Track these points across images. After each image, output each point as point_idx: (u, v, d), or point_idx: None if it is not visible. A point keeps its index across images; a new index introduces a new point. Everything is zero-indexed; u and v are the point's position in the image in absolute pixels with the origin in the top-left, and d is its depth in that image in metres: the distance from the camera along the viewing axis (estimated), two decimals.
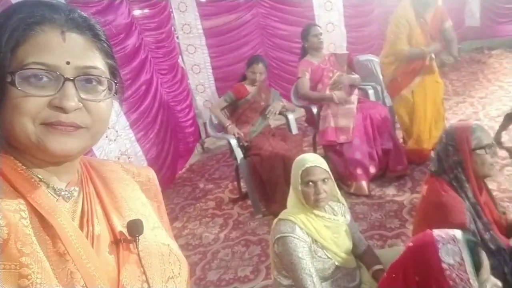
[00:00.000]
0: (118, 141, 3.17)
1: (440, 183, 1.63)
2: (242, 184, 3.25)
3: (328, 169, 1.64)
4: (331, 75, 3.24)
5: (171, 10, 4.11)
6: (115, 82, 0.60)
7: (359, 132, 2.91)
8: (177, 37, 4.24)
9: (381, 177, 2.99)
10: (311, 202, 1.59)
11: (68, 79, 0.53)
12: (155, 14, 3.87)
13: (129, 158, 3.20)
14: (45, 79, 0.52)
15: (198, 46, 4.34)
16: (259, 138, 2.96)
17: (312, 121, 3.28)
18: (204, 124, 4.56)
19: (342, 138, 2.92)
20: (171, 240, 0.72)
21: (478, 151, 1.58)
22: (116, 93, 0.61)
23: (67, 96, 0.52)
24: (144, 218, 0.66)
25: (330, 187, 1.62)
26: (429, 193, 1.69)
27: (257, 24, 4.48)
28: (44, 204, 0.55)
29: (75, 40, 0.55)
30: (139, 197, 0.71)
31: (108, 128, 3.09)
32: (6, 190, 0.54)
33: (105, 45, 0.60)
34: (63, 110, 0.52)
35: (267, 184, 2.79)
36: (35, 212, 0.54)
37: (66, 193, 0.60)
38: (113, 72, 0.61)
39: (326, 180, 1.61)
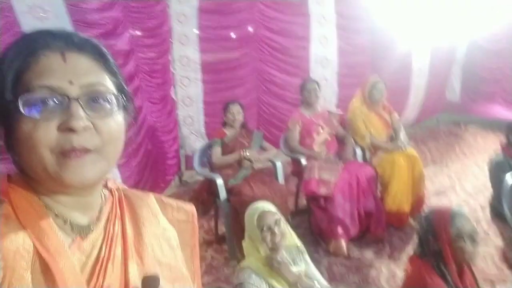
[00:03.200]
0: None
1: (424, 266, 1.65)
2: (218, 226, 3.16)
3: (277, 211, 1.83)
4: (320, 131, 3.30)
5: (171, 41, 4.15)
6: (122, 97, 0.58)
7: (343, 190, 2.92)
8: (174, 68, 4.26)
9: (360, 239, 2.98)
10: (269, 248, 1.74)
11: (74, 99, 0.52)
12: (155, 44, 3.90)
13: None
14: (50, 102, 0.51)
15: (193, 79, 4.35)
16: (240, 183, 2.92)
17: (298, 172, 3.28)
18: (186, 156, 4.51)
19: (322, 191, 2.91)
20: None
21: (457, 241, 1.58)
22: (125, 109, 0.59)
23: (74, 116, 0.51)
24: (167, 267, 0.63)
25: (283, 228, 1.80)
26: (412, 274, 1.70)
27: (254, 68, 4.57)
28: (50, 245, 0.52)
29: (76, 60, 0.55)
30: (168, 240, 0.67)
31: None
32: (14, 225, 0.51)
33: (109, 62, 0.59)
34: (73, 131, 0.51)
35: None
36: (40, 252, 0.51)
37: (86, 230, 0.57)
38: (120, 89, 0.60)
39: (278, 220, 1.77)
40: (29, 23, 2.69)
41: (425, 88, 5.82)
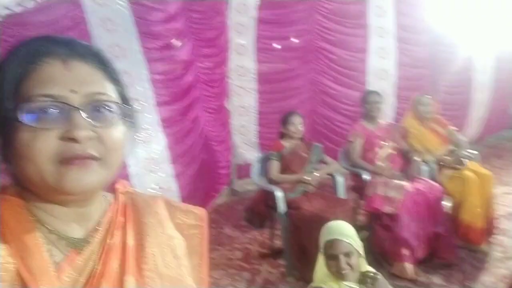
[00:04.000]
0: (156, 173, 3.11)
1: None
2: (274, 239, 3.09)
3: (355, 241, 1.61)
4: (383, 145, 3.15)
5: (228, 51, 4.19)
6: (124, 106, 0.57)
7: (410, 209, 2.75)
8: (230, 78, 4.28)
9: (427, 262, 2.79)
10: (334, 274, 1.60)
11: (76, 108, 0.50)
12: (214, 54, 3.94)
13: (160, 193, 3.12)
14: (52, 111, 0.50)
15: (248, 90, 4.36)
16: (299, 197, 2.83)
17: (358, 187, 3.14)
18: (237, 165, 4.50)
19: (387, 209, 2.76)
20: None
21: None
22: (127, 118, 0.57)
23: (77, 126, 0.49)
24: (169, 280, 0.59)
25: (355, 261, 1.60)
26: None
27: (310, 79, 4.51)
28: (33, 265, 0.49)
29: (79, 68, 0.53)
30: (173, 249, 0.63)
31: (152, 159, 3.04)
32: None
33: (111, 70, 0.57)
34: (75, 141, 0.49)
35: (307, 246, 2.62)
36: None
37: (81, 244, 0.55)
38: (123, 97, 0.58)
39: (350, 254, 1.57)
40: (100, 35, 2.78)
41: (488, 104, 5.47)
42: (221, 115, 4.18)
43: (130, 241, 0.58)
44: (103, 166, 0.52)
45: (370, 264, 2.71)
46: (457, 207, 3.04)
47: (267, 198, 2.97)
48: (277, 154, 2.97)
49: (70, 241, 0.54)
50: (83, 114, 0.50)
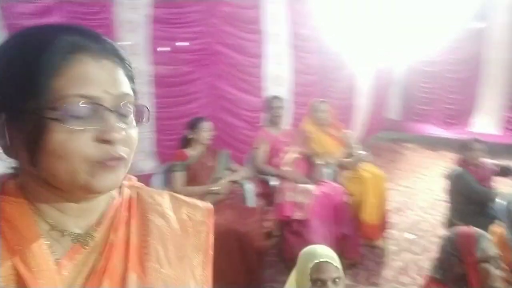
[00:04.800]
0: None
1: None
2: None
3: (341, 267, 1.45)
4: (288, 149, 3.16)
5: None
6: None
7: (318, 213, 2.78)
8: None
9: None
10: None
11: (109, 110, 0.50)
12: None
13: None
14: (87, 112, 0.49)
15: (143, 94, 3.99)
16: None
17: (265, 194, 3.09)
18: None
19: (298, 214, 2.76)
20: None
21: (482, 264, 1.52)
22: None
23: (113, 128, 0.50)
24: (171, 278, 0.58)
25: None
26: None
27: (209, 84, 4.34)
28: (32, 262, 0.49)
29: (109, 68, 0.52)
30: (179, 248, 0.62)
31: None
32: None
33: (131, 70, 0.57)
34: (110, 143, 0.50)
35: (218, 262, 2.44)
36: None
37: (84, 238, 0.54)
38: (137, 96, 0.58)
39: (337, 280, 1.41)
40: None
41: (368, 108, 6.04)
42: None
43: (134, 237, 0.57)
44: (125, 165, 0.53)
45: (282, 272, 2.68)
46: (356, 206, 3.19)
47: None
48: (181, 164, 2.72)
49: (72, 236, 0.53)
50: (116, 116, 0.51)
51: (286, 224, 2.83)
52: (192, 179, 2.73)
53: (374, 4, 5.44)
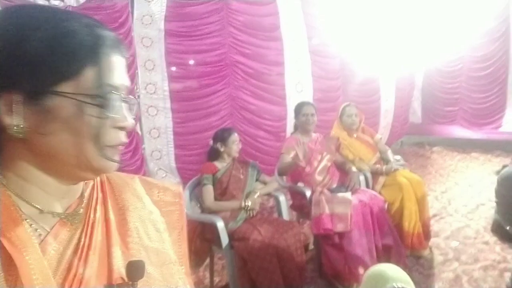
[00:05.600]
0: None
1: None
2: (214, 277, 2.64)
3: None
4: (319, 157, 2.97)
5: (136, 68, 3.69)
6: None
7: (358, 223, 2.57)
8: (138, 97, 3.77)
9: None
10: None
11: (124, 100, 0.56)
12: None
13: None
14: (111, 101, 0.53)
15: (161, 109, 3.88)
16: (242, 225, 2.46)
17: (299, 206, 2.89)
18: None
19: (339, 227, 2.55)
20: (183, 277, 0.65)
21: None
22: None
23: (125, 117, 0.55)
24: (154, 252, 0.61)
25: None
26: None
27: (228, 95, 4.20)
28: (15, 237, 0.48)
29: (122, 61, 0.57)
30: (155, 224, 0.64)
31: None
32: None
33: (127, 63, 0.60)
34: (123, 129, 0.55)
35: (257, 281, 2.25)
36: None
37: (66, 217, 0.56)
38: None
39: None
40: None
41: (392, 112, 5.83)
42: (131, 143, 3.60)
43: (112, 215, 0.60)
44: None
45: None
46: (396, 215, 2.98)
47: (202, 231, 2.52)
48: (211, 178, 2.56)
49: (53, 215, 0.55)
50: (128, 106, 0.57)
51: (325, 237, 2.62)
52: (223, 193, 2.56)
53: (392, 5, 5.28)
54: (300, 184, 2.96)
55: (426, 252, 2.95)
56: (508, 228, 3.07)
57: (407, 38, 5.52)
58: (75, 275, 0.52)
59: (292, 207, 3.01)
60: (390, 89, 5.65)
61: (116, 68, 0.54)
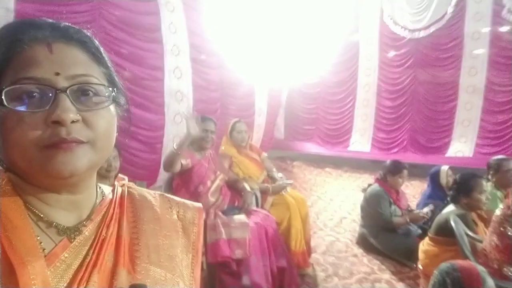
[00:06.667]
0: None
1: None
2: None
3: None
4: (213, 176, 2.77)
5: None
6: (113, 89, 0.54)
7: (255, 247, 2.47)
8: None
9: None
10: None
11: (60, 91, 0.49)
12: None
13: None
14: (36, 95, 0.49)
15: None
16: None
17: None
18: None
19: (238, 253, 2.39)
20: None
21: None
22: (116, 101, 0.56)
23: (62, 108, 0.48)
24: (161, 277, 0.57)
25: None
26: None
27: None
28: (19, 247, 0.47)
29: (63, 50, 0.51)
30: (169, 247, 0.61)
31: None
32: None
33: (98, 53, 0.55)
34: (60, 124, 0.48)
35: None
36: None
37: (74, 232, 0.53)
38: (111, 80, 0.56)
39: None
40: None
41: (263, 127, 6.04)
42: None
43: (125, 234, 0.57)
44: (93, 149, 0.51)
45: None
46: (283, 234, 2.99)
47: None
48: None
49: (60, 228, 0.53)
50: (69, 97, 0.49)
51: (221, 265, 2.42)
52: None
53: (266, 25, 5.50)
54: None
55: (309, 269, 3.05)
56: (371, 240, 3.44)
57: (277, 57, 5.83)
58: None
59: None
60: (263, 105, 5.85)
61: (40, 60, 0.49)
